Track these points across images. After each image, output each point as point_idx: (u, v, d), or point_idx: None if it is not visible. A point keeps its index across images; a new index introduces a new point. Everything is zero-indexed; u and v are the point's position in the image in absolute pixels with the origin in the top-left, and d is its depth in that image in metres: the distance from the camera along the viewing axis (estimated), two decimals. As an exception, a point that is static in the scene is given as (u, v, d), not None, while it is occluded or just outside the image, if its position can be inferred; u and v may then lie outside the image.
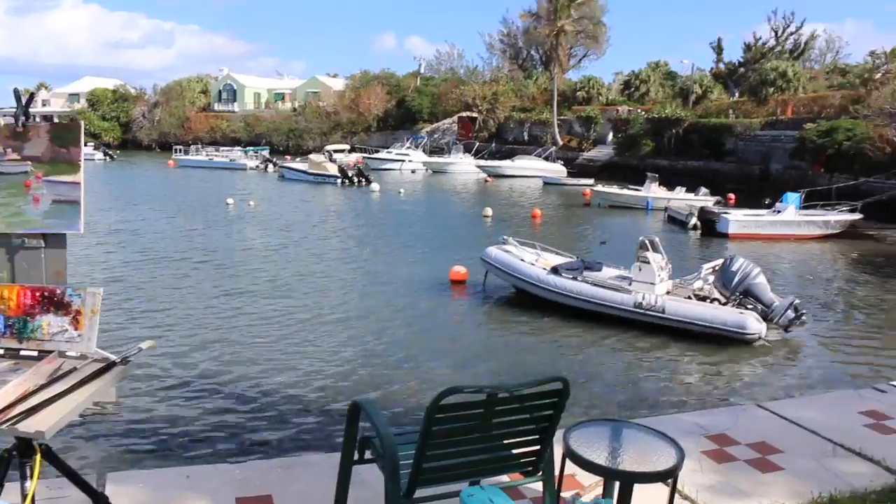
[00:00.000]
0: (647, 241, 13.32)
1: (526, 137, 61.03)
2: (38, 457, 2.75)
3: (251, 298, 14.19)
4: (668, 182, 34.19)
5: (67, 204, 3.82)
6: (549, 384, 2.97)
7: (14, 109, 4.36)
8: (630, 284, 12.95)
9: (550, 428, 3.13)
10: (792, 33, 58.43)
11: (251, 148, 64.05)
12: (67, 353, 3.16)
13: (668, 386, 9.92)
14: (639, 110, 54.95)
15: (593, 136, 56.51)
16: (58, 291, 3.27)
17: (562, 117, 59.38)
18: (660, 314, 12.34)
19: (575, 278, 13.45)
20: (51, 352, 3.18)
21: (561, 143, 56.93)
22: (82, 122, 3.84)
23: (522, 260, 14.52)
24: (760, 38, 59.30)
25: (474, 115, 66.10)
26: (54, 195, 3.85)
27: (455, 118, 68.13)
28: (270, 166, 54.22)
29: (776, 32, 58.71)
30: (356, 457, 3.44)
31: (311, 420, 8.34)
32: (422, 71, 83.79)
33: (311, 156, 49.48)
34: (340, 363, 10.37)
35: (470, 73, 78.85)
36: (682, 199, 30.01)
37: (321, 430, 8.03)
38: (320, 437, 7.80)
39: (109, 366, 3.02)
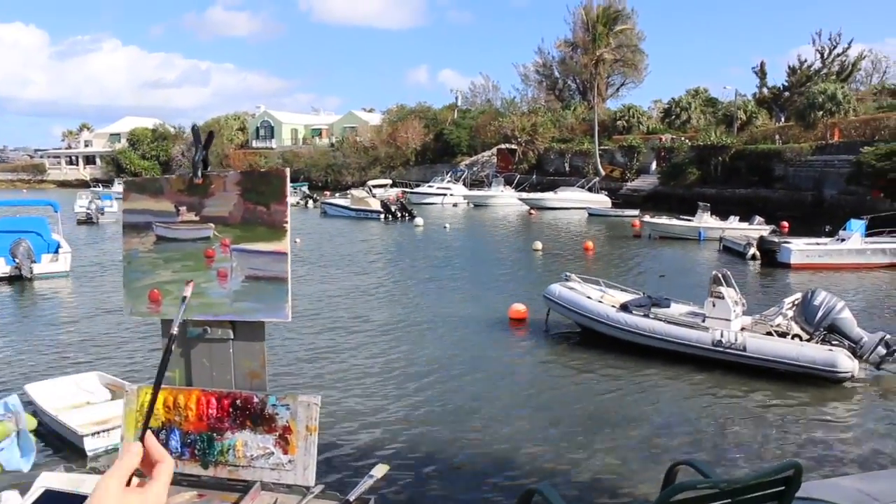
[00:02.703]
0: (720, 276, 12.75)
1: (567, 168, 60.36)
2: None
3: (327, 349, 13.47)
4: (717, 211, 33.38)
5: (267, 281, 2.68)
6: (778, 472, 2.45)
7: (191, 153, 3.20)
8: (704, 321, 12.35)
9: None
10: (839, 55, 57.22)
11: (291, 184, 64.26)
12: (274, 484, 2.45)
13: (774, 435, 9.13)
14: (682, 138, 54.14)
15: (636, 165, 55.75)
16: (255, 400, 2.50)
17: (603, 147, 58.69)
18: (740, 352, 11.68)
19: (646, 315, 12.85)
20: (247, 482, 2.43)
21: (603, 173, 56.23)
22: (288, 171, 2.81)
23: (588, 297, 13.95)
24: (805, 60, 58.22)
25: (513, 146, 65.71)
26: (248, 269, 2.72)
27: (494, 150, 67.82)
28: (311, 202, 54.31)
29: (822, 54, 57.50)
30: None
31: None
32: (458, 104, 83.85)
33: (353, 191, 49.44)
34: (433, 422, 9.62)
35: (507, 104, 78.72)
36: (737, 229, 29.26)
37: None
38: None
39: None
